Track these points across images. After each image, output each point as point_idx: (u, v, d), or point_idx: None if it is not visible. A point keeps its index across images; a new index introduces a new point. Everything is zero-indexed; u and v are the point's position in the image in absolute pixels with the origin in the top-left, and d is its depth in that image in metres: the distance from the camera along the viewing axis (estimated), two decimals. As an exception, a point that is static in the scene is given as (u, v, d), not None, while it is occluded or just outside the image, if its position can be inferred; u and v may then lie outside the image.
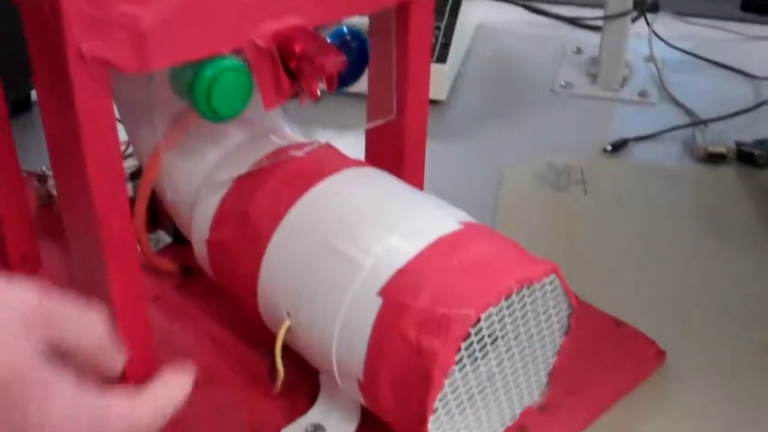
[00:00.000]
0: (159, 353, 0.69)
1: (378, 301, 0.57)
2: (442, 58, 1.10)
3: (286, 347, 0.64)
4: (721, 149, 1.02)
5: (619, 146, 1.05)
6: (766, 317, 0.79)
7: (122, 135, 0.61)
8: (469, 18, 1.27)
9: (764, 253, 0.88)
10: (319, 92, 0.60)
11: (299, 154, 0.68)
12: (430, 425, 0.56)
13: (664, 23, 1.31)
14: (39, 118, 0.61)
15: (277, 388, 0.65)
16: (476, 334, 0.56)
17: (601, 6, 1.18)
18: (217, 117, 0.60)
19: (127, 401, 0.47)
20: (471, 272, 0.56)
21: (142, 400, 0.48)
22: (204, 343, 0.74)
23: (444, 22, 1.14)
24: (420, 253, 0.57)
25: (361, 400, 0.61)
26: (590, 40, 1.27)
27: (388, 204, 0.62)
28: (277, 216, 0.63)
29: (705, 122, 1.08)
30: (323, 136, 0.71)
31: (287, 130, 0.73)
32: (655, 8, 1.31)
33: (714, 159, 1.02)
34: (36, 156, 0.83)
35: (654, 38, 1.26)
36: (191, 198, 0.70)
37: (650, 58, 1.24)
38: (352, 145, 0.71)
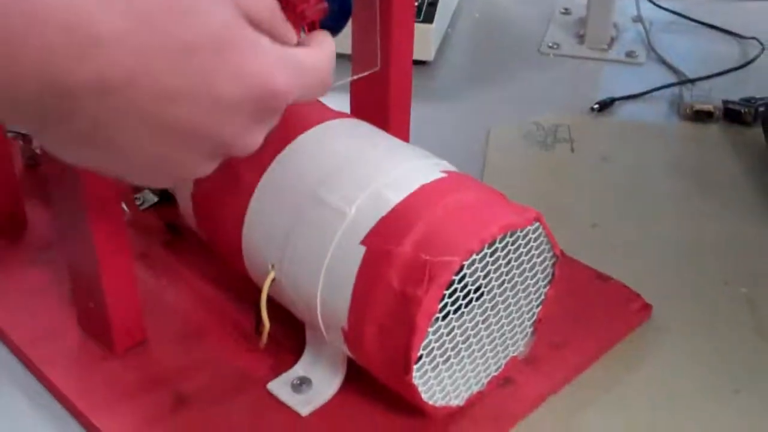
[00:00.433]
0: (146, 309, 0.69)
1: (361, 250, 0.57)
2: (429, 18, 1.09)
3: (272, 302, 0.64)
4: (708, 107, 1.02)
5: (606, 105, 1.04)
6: (750, 272, 0.79)
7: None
8: (456, -21, 1.27)
9: (749, 209, 0.88)
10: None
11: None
12: (414, 373, 0.57)
13: (652, -16, 1.31)
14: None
15: (263, 341, 0.65)
16: (460, 281, 0.56)
17: (588, -34, 1.18)
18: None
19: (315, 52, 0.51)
20: (454, 219, 0.56)
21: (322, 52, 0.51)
22: (191, 299, 0.74)
23: (431, -18, 1.14)
24: (403, 201, 0.57)
25: (347, 351, 0.61)
26: (578, 0, 1.27)
27: (371, 153, 0.62)
28: (260, 167, 0.63)
29: (692, 81, 1.08)
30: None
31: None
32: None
33: (701, 117, 1.02)
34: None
35: (641, -1, 1.26)
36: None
37: (638, 19, 1.23)
38: (338, 101, 0.71)
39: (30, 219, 0.82)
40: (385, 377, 0.60)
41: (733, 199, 0.90)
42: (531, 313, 0.64)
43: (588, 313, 0.72)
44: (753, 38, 1.19)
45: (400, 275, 0.55)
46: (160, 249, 0.79)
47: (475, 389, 0.63)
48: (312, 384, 0.65)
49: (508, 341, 0.63)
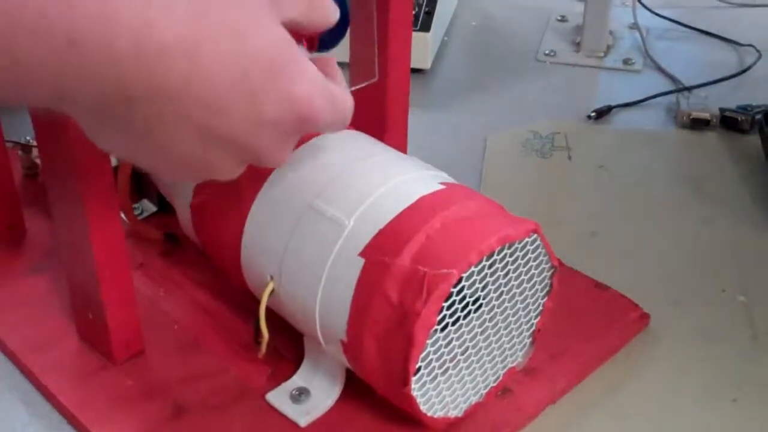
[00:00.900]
0: (145, 320, 0.69)
1: (360, 262, 0.57)
2: (425, 27, 1.10)
3: (270, 312, 0.64)
4: (705, 115, 1.02)
5: (603, 113, 1.05)
6: (747, 281, 0.79)
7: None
8: (453, -13, 1.27)
9: (747, 217, 0.88)
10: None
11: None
12: (413, 385, 0.57)
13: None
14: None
15: (262, 351, 0.65)
16: (458, 293, 0.56)
17: (585, -26, 1.18)
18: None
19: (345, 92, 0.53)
20: (452, 232, 0.57)
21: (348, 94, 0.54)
22: (189, 309, 0.74)
23: (428, -10, 1.14)
24: (401, 213, 0.58)
25: (345, 362, 0.61)
26: (575, 8, 1.27)
27: (369, 165, 0.62)
28: (259, 179, 0.63)
29: (689, 89, 1.08)
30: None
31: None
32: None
33: (698, 125, 1.02)
34: (20, 127, 0.83)
35: (638, 6, 1.26)
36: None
37: (634, 26, 1.24)
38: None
39: (29, 229, 0.82)
40: (383, 389, 0.60)
41: (730, 207, 0.90)
42: (529, 324, 0.64)
43: (586, 323, 0.72)
44: (750, 45, 1.19)
45: (398, 288, 0.55)
46: (159, 259, 0.79)
47: (474, 400, 0.63)
48: (311, 395, 0.65)
49: (506, 352, 0.64)
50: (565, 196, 0.93)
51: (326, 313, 0.59)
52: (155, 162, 0.50)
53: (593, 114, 1.04)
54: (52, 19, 0.40)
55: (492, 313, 0.61)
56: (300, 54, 0.48)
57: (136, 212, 0.81)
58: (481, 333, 0.61)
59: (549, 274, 0.62)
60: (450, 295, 0.55)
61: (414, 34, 0.75)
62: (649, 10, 1.28)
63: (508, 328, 0.63)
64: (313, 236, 0.60)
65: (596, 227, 0.86)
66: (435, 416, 0.60)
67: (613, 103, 1.06)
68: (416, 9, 1.10)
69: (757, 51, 1.18)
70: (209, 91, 0.45)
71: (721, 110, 1.02)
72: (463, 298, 0.57)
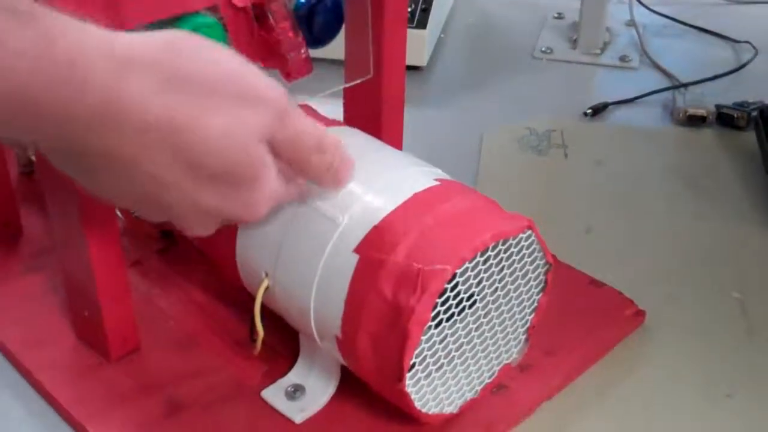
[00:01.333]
0: (140, 317, 0.69)
1: (354, 258, 0.57)
2: (422, 24, 1.10)
3: (266, 310, 0.64)
4: (701, 112, 1.02)
5: (599, 110, 1.05)
6: (743, 277, 0.80)
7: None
8: (449, -16, 1.27)
9: (742, 214, 0.88)
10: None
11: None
12: (407, 381, 0.57)
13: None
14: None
15: (257, 349, 0.65)
16: (452, 289, 0.56)
17: (582, -29, 1.18)
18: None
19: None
20: (447, 228, 0.57)
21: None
22: (185, 306, 0.74)
23: (424, -13, 1.14)
24: (396, 210, 0.58)
25: (340, 358, 0.61)
26: (571, 5, 1.27)
27: (364, 161, 0.62)
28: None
29: (685, 86, 1.08)
30: (301, 98, 0.71)
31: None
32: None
33: (694, 121, 1.02)
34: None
35: (635, 3, 1.26)
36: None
37: (631, 23, 1.24)
38: (331, 108, 0.71)
39: (25, 226, 0.82)
40: (378, 385, 0.60)
41: (726, 204, 0.90)
42: (524, 321, 0.64)
43: (581, 319, 0.72)
44: (746, 42, 1.19)
45: (392, 284, 0.55)
46: (154, 257, 0.79)
47: (469, 396, 0.63)
48: (306, 391, 0.65)
49: (501, 348, 0.64)
50: (561, 193, 0.93)
51: (321, 310, 0.59)
52: (113, 196, 0.54)
53: (589, 111, 1.04)
54: (17, 94, 0.44)
55: (486, 309, 0.61)
56: (266, 169, 0.52)
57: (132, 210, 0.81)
58: (476, 329, 0.61)
59: (543, 270, 0.62)
60: (444, 291, 0.56)
61: (410, 31, 0.75)
62: (646, 6, 1.28)
63: (503, 324, 0.63)
64: (308, 233, 0.60)
65: (592, 224, 0.86)
66: (429, 412, 0.60)
67: (609, 100, 1.06)
68: (413, 6, 1.10)
69: (754, 48, 1.18)
70: (157, 169, 0.49)
71: (718, 107, 1.02)
72: (458, 294, 0.57)
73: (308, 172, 0.56)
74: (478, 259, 0.57)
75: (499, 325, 0.62)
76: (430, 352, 0.58)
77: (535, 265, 0.61)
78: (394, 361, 0.56)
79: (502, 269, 0.60)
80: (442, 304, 0.56)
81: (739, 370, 0.70)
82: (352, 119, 0.73)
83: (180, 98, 0.47)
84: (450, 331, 0.59)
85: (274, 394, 0.65)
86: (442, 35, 1.22)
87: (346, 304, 0.57)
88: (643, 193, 0.92)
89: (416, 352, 0.56)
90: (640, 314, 0.73)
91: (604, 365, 0.70)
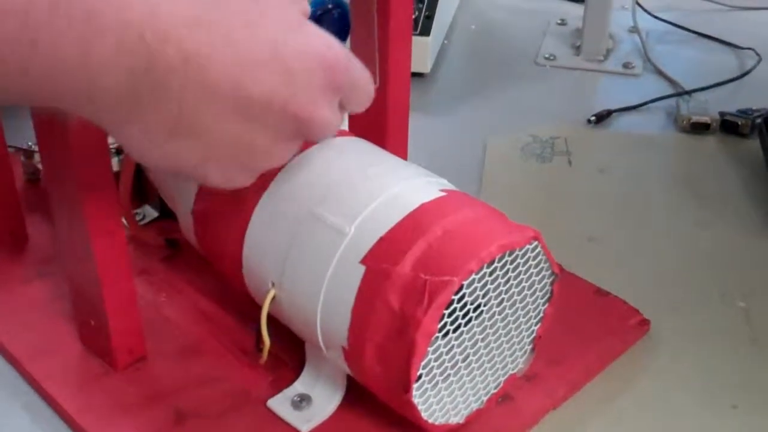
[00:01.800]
0: (146, 326, 0.70)
1: (361, 269, 0.57)
2: (425, 31, 1.10)
3: (272, 319, 0.64)
4: (705, 119, 1.02)
5: (602, 117, 1.05)
6: (747, 285, 0.80)
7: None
8: (453, -10, 1.28)
9: (747, 221, 0.88)
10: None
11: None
12: (414, 392, 0.57)
13: (648, -6, 1.31)
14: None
15: (264, 358, 0.65)
16: (459, 301, 0.56)
17: (585, -23, 1.18)
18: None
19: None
20: (453, 239, 0.57)
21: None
22: (191, 315, 0.74)
23: (428, -6, 1.14)
24: (402, 221, 0.58)
25: (347, 369, 0.61)
26: (574, 11, 1.27)
27: (370, 172, 0.62)
28: (261, 185, 0.63)
29: (689, 92, 1.08)
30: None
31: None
32: (638, -21, 1.32)
33: (698, 129, 1.02)
34: (22, 132, 0.83)
35: (638, 9, 1.26)
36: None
37: (634, 30, 1.24)
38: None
39: (31, 234, 0.82)
40: (384, 396, 0.60)
41: (730, 211, 0.90)
42: (530, 331, 0.64)
43: (586, 329, 0.72)
44: (750, 49, 1.20)
45: (399, 295, 0.55)
46: (160, 265, 0.79)
47: (475, 407, 0.63)
48: (312, 401, 0.65)
49: (507, 359, 0.64)
50: (565, 201, 0.93)
51: (327, 320, 0.59)
52: (201, 155, 0.50)
53: (593, 118, 1.04)
54: (65, 7, 0.41)
55: (492, 320, 0.61)
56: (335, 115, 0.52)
57: (138, 218, 0.82)
58: (482, 339, 0.61)
59: (550, 281, 0.62)
60: (451, 303, 0.56)
61: (414, 38, 0.75)
62: (649, 13, 1.28)
63: (509, 335, 0.63)
64: (314, 243, 0.60)
65: (596, 232, 0.86)
66: (436, 423, 0.60)
67: (612, 107, 1.06)
68: (416, 13, 1.10)
69: (757, 54, 1.18)
70: (235, 54, 0.46)
71: (721, 114, 1.03)
72: (464, 305, 0.57)
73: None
74: (484, 270, 0.57)
75: (505, 335, 0.62)
76: (436, 363, 0.58)
77: (541, 275, 0.62)
78: (401, 372, 0.56)
79: (508, 280, 0.60)
80: (449, 315, 0.56)
81: (744, 379, 0.70)
82: (357, 128, 0.73)
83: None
84: (456, 342, 0.59)
85: (280, 404, 0.65)
86: (445, 41, 1.22)
87: (352, 314, 0.57)
88: (646, 200, 0.92)
89: (423, 363, 0.56)
90: (644, 323, 0.74)
91: (609, 375, 0.70)
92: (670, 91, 1.11)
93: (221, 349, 0.71)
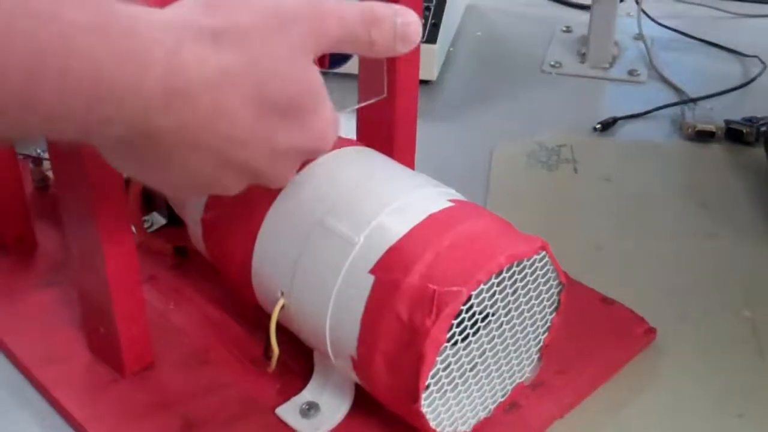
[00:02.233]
0: (154, 333, 0.70)
1: (370, 279, 0.57)
2: (432, 39, 1.10)
3: (280, 327, 0.64)
4: (710, 127, 1.02)
5: (608, 125, 1.05)
6: (754, 295, 0.80)
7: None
8: (459, -2, 1.28)
9: (752, 230, 0.89)
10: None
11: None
12: (422, 402, 0.57)
13: (653, 2, 1.31)
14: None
15: (272, 366, 0.65)
16: (467, 311, 0.57)
17: (590, -15, 1.19)
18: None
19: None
20: (461, 249, 0.57)
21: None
22: (199, 323, 0.74)
23: (434, 2, 1.14)
24: (411, 231, 0.58)
25: (355, 378, 0.62)
26: (579, 18, 1.27)
27: (379, 182, 0.62)
28: (270, 195, 0.63)
29: (694, 100, 1.08)
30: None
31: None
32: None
33: (703, 137, 1.02)
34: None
35: (643, 17, 1.26)
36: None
37: (639, 37, 1.24)
38: (344, 125, 0.71)
39: (40, 241, 0.82)
40: (393, 405, 0.61)
41: (735, 220, 0.90)
42: (537, 340, 0.64)
43: (593, 338, 0.72)
44: (755, 56, 1.19)
45: (408, 305, 0.56)
46: (168, 272, 0.79)
47: (482, 415, 0.63)
48: (320, 409, 0.65)
49: (514, 367, 0.64)
50: (571, 209, 0.93)
51: (336, 330, 0.59)
52: (166, 183, 0.53)
53: (599, 126, 1.05)
54: (76, 72, 0.42)
55: (500, 329, 0.61)
56: (322, 88, 0.51)
57: (146, 225, 0.82)
58: (490, 348, 0.62)
59: (557, 290, 0.63)
60: (459, 313, 0.56)
61: (420, 45, 0.76)
62: (654, 20, 1.28)
63: (516, 344, 0.63)
64: (323, 253, 0.60)
65: (602, 240, 0.87)
66: (444, 431, 0.61)
67: (618, 115, 1.06)
68: (423, 21, 1.10)
69: (762, 62, 1.18)
70: (231, 126, 0.48)
71: (726, 122, 1.03)
72: (472, 314, 0.58)
73: (378, 51, 0.54)
74: (492, 280, 0.57)
75: (513, 344, 0.63)
76: (445, 372, 0.59)
77: (548, 285, 0.62)
78: (410, 382, 0.56)
79: (516, 289, 0.60)
80: (458, 325, 0.57)
81: (750, 389, 0.70)
82: (365, 138, 0.73)
83: (230, 47, 0.47)
84: (464, 351, 0.60)
85: (288, 412, 0.65)
86: (451, 49, 1.22)
87: (361, 324, 0.58)
88: (652, 208, 0.92)
89: (431, 372, 0.56)
90: (651, 332, 0.74)
91: (615, 383, 0.70)
92: (675, 98, 1.11)
93: (229, 357, 0.71)
